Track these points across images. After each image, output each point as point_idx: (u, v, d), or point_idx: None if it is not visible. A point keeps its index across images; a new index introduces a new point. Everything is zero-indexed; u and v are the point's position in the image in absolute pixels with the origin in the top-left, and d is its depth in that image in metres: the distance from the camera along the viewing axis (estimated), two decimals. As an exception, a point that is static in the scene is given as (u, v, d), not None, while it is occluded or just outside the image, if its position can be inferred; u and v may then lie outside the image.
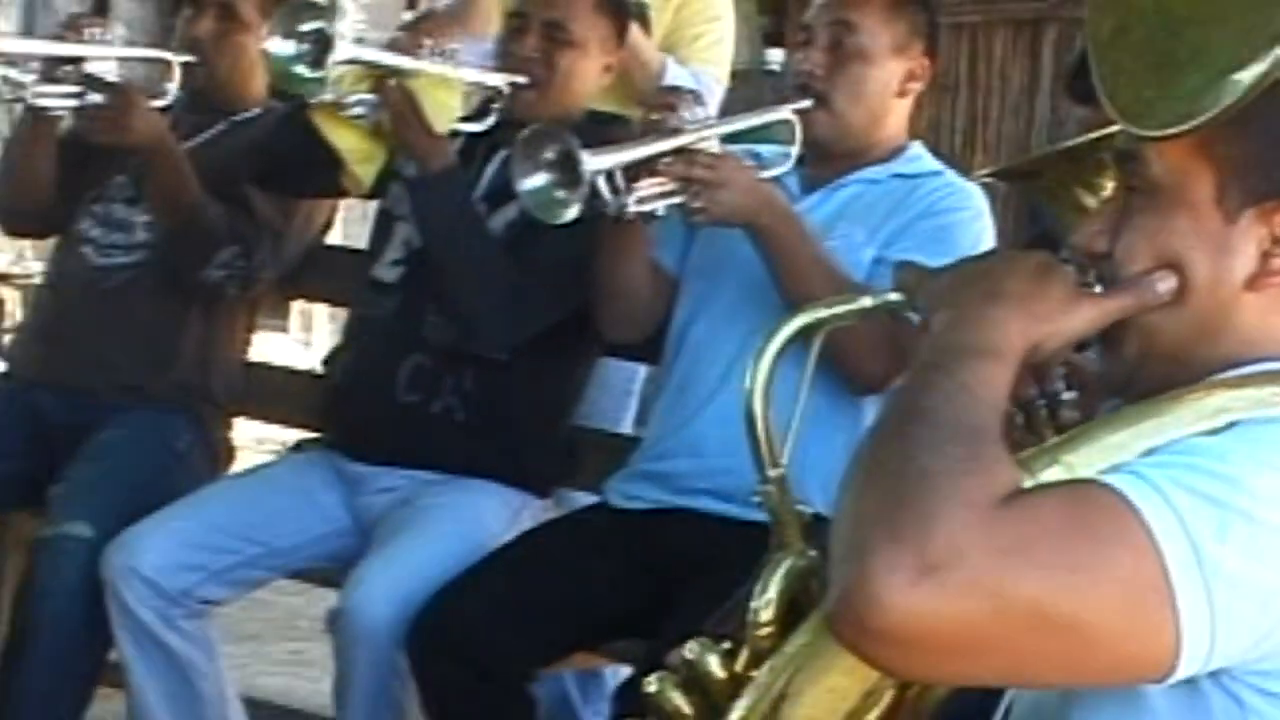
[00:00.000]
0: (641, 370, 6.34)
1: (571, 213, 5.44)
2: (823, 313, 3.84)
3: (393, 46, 6.27)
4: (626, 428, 6.36)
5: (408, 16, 8.75)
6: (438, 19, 7.35)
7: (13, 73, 6.69)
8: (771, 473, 3.72)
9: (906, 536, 2.31)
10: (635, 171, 5.52)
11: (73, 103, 6.44)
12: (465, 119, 6.09)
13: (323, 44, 5.76)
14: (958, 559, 2.30)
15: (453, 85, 6.12)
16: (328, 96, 5.92)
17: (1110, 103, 3.28)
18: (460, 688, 5.50)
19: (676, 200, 5.50)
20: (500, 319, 5.86)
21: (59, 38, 6.48)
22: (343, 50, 5.78)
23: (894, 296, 3.64)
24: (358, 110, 5.94)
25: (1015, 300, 2.68)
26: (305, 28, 5.79)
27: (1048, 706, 2.99)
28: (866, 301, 3.83)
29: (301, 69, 5.82)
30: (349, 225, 7.80)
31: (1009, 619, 2.43)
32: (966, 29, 12.82)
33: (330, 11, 5.97)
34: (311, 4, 6.03)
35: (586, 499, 5.98)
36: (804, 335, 4.07)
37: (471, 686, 5.48)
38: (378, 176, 6.19)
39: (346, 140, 6.03)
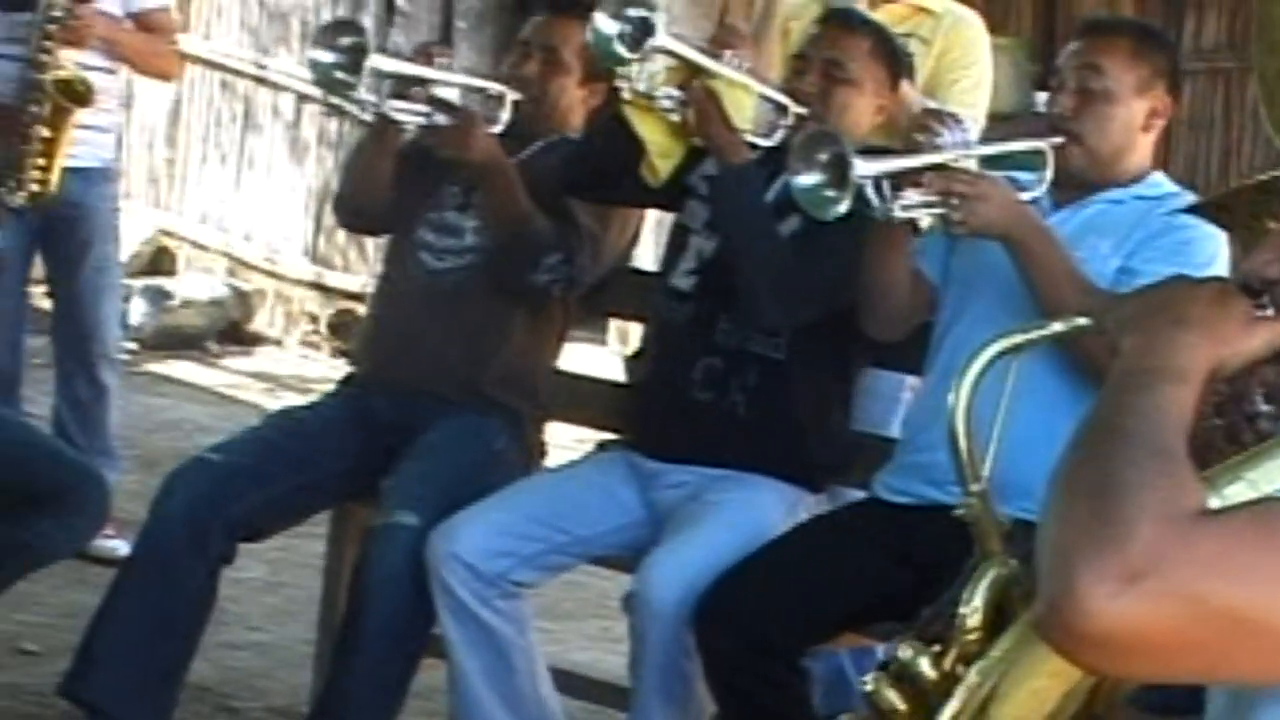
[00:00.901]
0: (908, 380, 6.49)
1: (839, 210, 5.74)
2: (1018, 338, 4.19)
3: (701, 48, 6.64)
4: (894, 432, 6.43)
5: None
6: (739, 34, 7.81)
7: (370, 86, 7.05)
8: (974, 487, 4.19)
9: (1109, 549, 2.42)
10: (900, 181, 5.80)
11: (420, 119, 6.80)
12: (755, 134, 6.41)
13: (644, 28, 6.11)
14: (1158, 569, 2.37)
15: (749, 93, 6.47)
16: (640, 86, 6.24)
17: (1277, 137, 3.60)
18: (740, 663, 5.77)
19: (938, 211, 5.83)
20: (781, 297, 6.12)
21: (413, 60, 7.05)
22: (660, 37, 6.18)
23: (1083, 321, 3.83)
24: (665, 104, 6.25)
25: (1198, 325, 2.78)
26: (630, 12, 6.13)
27: (1244, 696, 3.01)
28: (1057, 327, 4.03)
29: (620, 49, 6.14)
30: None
31: (1208, 624, 2.46)
32: (1221, 74, 12.31)
33: (654, 3, 6.44)
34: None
35: (856, 494, 6.22)
36: (1003, 357, 4.66)
37: (750, 661, 5.74)
38: (674, 189, 6.52)
39: (652, 132, 6.36)
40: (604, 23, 6.21)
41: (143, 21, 8.95)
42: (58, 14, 8.44)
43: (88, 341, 9.00)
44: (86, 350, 8.97)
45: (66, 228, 8.94)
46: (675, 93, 6.28)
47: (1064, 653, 2.68)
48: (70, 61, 8.57)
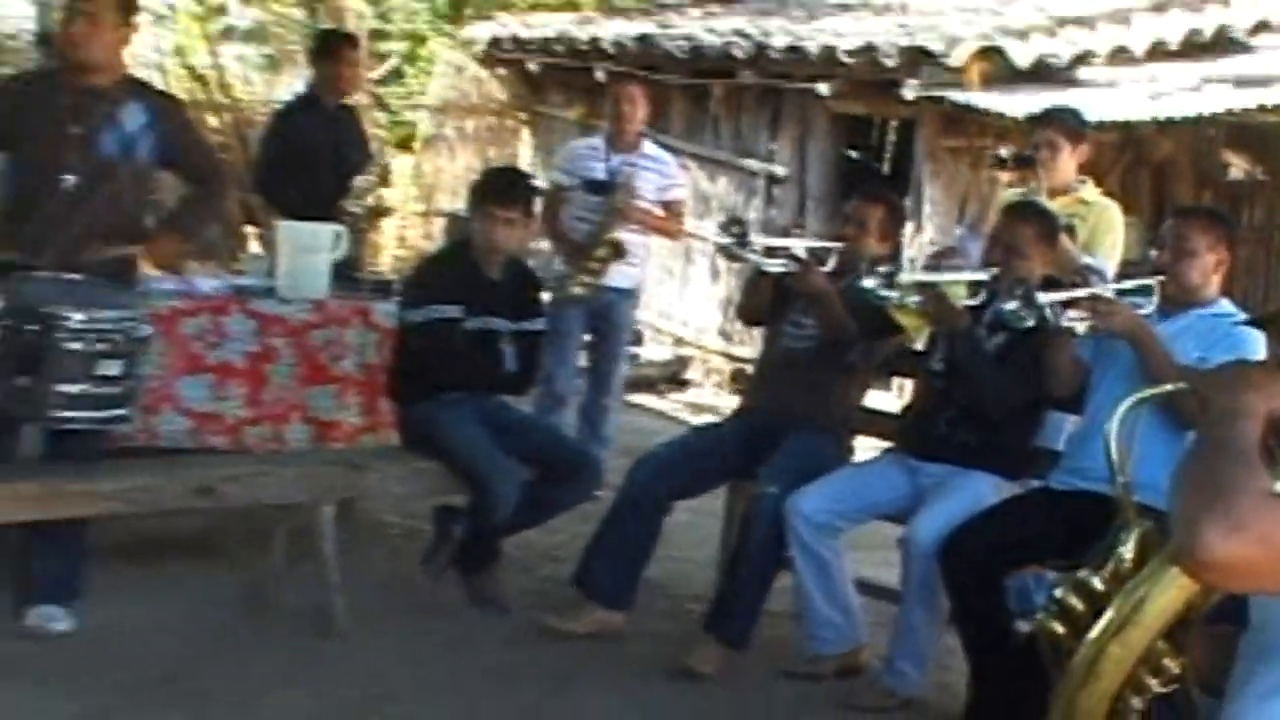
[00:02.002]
0: (1070, 418, 6.41)
1: (1030, 323, 5.95)
2: (1147, 394, 4.61)
3: (928, 268, 7.13)
4: (1060, 447, 6.43)
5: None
6: (951, 251, 7.97)
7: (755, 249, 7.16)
8: (1120, 480, 4.44)
9: (1219, 511, 2.64)
10: (1065, 305, 6.01)
11: (782, 265, 6.87)
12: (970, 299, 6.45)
13: (891, 277, 6.31)
14: (1251, 523, 2.62)
15: (961, 285, 6.55)
16: (898, 301, 6.38)
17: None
18: (965, 581, 5.82)
19: (1089, 321, 5.97)
20: (1002, 394, 6.21)
21: (781, 234, 7.10)
22: (905, 278, 6.42)
23: (1183, 385, 4.54)
24: (913, 302, 6.39)
25: (1257, 387, 2.96)
26: (881, 269, 6.28)
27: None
28: (1169, 388, 4.73)
29: (882, 290, 6.27)
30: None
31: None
32: (1263, 240, 11.87)
33: (900, 261, 6.76)
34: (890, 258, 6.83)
35: (1036, 484, 6.20)
36: (1139, 407, 4.84)
37: (971, 580, 5.80)
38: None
39: (908, 320, 6.57)
40: (867, 280, 6.34)
41: (668, 207, 9.04)
42: (619, 205, 8.62)
43: (605, 382, 9.16)
44: (604, 389, 9.14)
45: (607, 317, 9.04)
46: (918, 299, 6.41)
47: (1190, 575, 2.95)
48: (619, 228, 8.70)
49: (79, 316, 5.75)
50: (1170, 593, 4.28)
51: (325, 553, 6.58)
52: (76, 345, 5.74)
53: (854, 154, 12.42)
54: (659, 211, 8.99)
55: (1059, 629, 4.69)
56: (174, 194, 6.96)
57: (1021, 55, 10.81)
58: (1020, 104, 9.98)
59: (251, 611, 6.68)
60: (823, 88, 11.79)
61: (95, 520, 6.40)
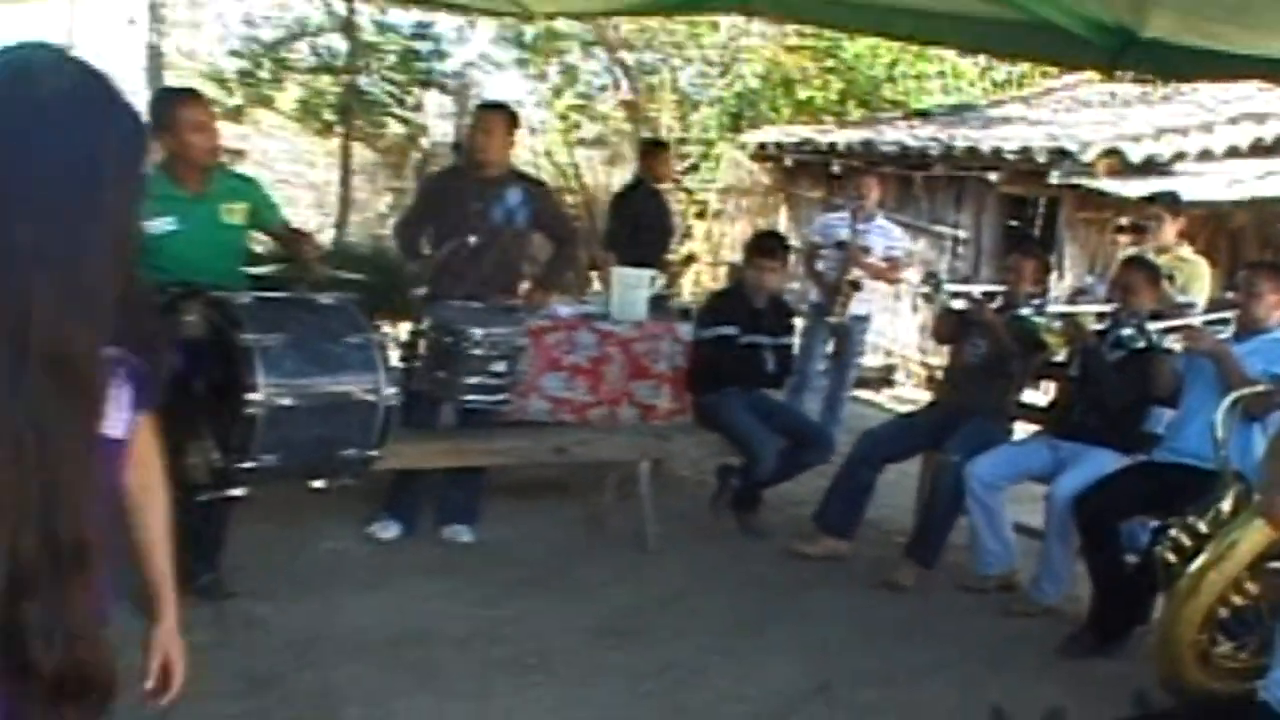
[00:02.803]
0: (1168, 411, 6.13)
1: (1141, 345, 5.91)
2: (1241, 394, 4.88)
3: (1068, 303, 7.06)
4: (1161, 430, 6.12)
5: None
6: (1083, 289, 7.86)
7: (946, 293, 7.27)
8: (1222, 453, 4.42)
9: None
10: (1166, 331, 5.97)
11: (962, 304, 6.87)
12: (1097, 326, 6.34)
13: (1041, 308, 6.41)
14: None
15: (1091, 316, 6.45)
16: (1043, 324, 6.27)
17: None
18: (1091, 525, 5.68)
19: (1184, 344, 5.80)
20: (1120, 394, 6.06)
21: (965, 280, 6.97)
22: (1053, 308, 6.44)
23: (1262, 388, 4.96)
24: (1057, 327, 6.24)
25: None
26: (1035, 303, 6.42)
27: None
28: (1260, 389, 5.05)
29: (1038, 319, 6.29)
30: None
31: None
32: None
33: (1046, 302, 6.66)
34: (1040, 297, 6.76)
35: (1143, 457, 5.95)
36: (1234, 404, 4.75)
37: (1096, 525, 5.66)
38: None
39: (1053, 340, 6.31)
40: (1023, 310, 6.42)
41: (890, 261, 8.87)
42: (854, 258, 8.59)
43: (841, 380, 9.03)
44: (840, 385, 9.00)
45: (845, 335, 8.84)
46: (1058, 324, 6.29)
47: (1272, 525, 3.06)
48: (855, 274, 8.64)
49: (479, 332, 5.87)
50: (1255, 536, 4.36)
51: (642, 495, 6.65)
52: (477, 351, 5.86)
53: (1014, 223, 12.19)
54: (883, 264, 8.84)
55: (1172, 558, 4.71)
56: (541, 249, 7.09)
57: (1135, 154, 10.69)
58: (1134, 189, 9.92)
59: (591, 533, 6.78)
60: (992, 176, 11.71)
61: (488, 468, 6.57)
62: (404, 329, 6.21)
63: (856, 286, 8.67)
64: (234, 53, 16.48)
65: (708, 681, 5.00)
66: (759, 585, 6.24)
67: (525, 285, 6.67)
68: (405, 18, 15.49)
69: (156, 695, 2.08)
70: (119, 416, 1.73)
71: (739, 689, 4.96)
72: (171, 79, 15.63)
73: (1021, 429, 7.02)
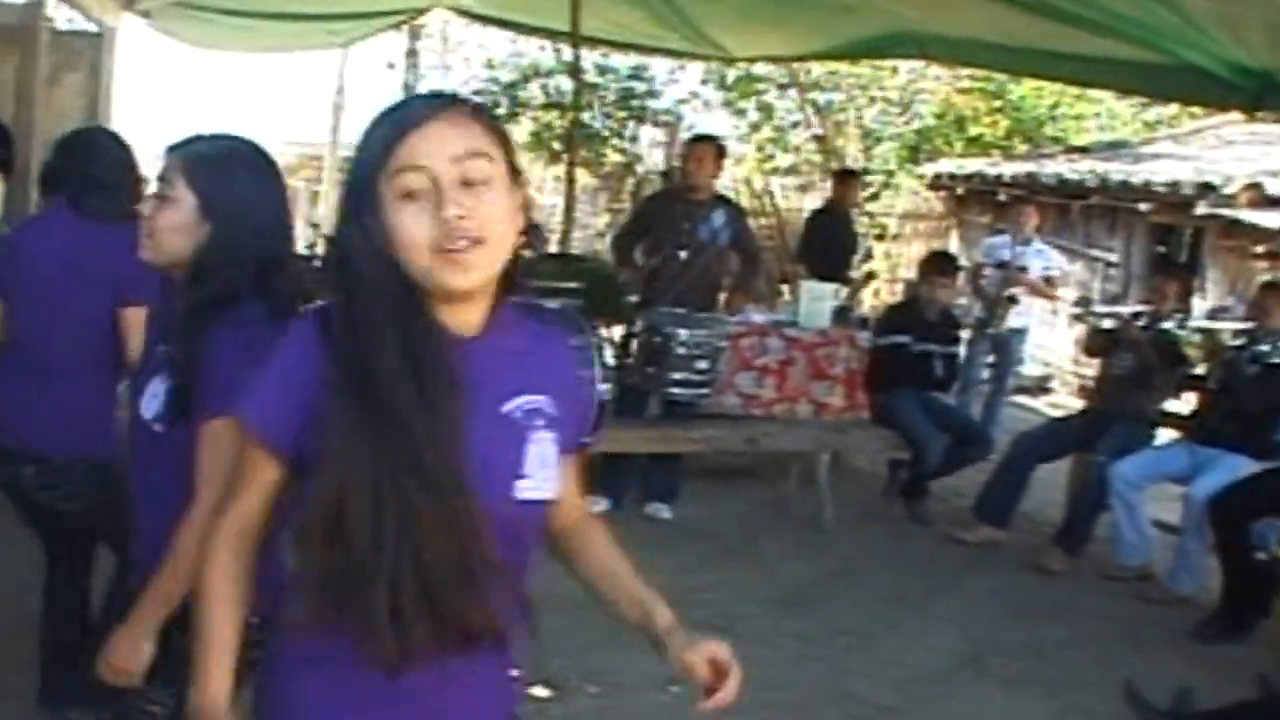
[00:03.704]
0: None
1: (1275, 360, 5.79)
2: None
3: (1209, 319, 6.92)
4: None
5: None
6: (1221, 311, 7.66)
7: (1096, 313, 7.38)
8: None
9: None
10: None
11: (1112, 322, 6.79)
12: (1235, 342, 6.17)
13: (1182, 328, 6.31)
14: None
15: (1229, 332, 6.30)
16: (1184, 339, 6.22)
17: None
18: (1223, 522, 5.54)
19: None
20: (1255, 404, 5.89)
21: (1115, 300, 6.80)
22: (1197, 322, 6.39)
23: None
24: (1198, 342, 6.20)
25: None
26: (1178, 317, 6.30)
27: None
28: None
29: (1177, 332, 6.23)
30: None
31: None
32: None
33: (1188, 320, 6.52)
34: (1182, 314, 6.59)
35: (1273, 464, 5.74)
36: None
37: (1228, 523, 5.51)
38: None
39: (1194, 353, 6.27)
40: (1167, 326, 6.33)
41: (1047, 281, 8.75)
42: (1014, 277, 8.50)
43: (1001, 386, 8.89)
44: (999, 390, 8.86)
45: (1005, 346, 8.71)
46: (1199, 338, 6.31)
47: None
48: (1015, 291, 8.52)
49: (685, 334, 6.01)
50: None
51: (820, 482, 6.69)
52: (682, 351, 6.00)
53: (1162, 249, 11.88)
54: (1041, 284, 8.71)
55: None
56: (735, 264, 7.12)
57: (1274, 187, 10.31)
58: (1273, 219, 9.70)
59: (774, 514, 6.84)
60: (1143, 206, 11.42)
61: (686, 454, 6.63)
62: (617, 332, 6.30)
63: (1013, 301, 8.55)
64: (477, 92, 16.85)
65: (872, 648, 5.03)
66: (922, 566, 6.22)
67: (724, 295, 6.79)
68: (624, 60, 15.71)
69: (716, 693, 1.76)
70: (544, 474, 1.64)
71: (899, 656, 4.98)
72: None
73: (1164, 434, 6.85)
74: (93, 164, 3.24)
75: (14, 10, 9.98)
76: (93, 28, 11.30)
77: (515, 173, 1.59)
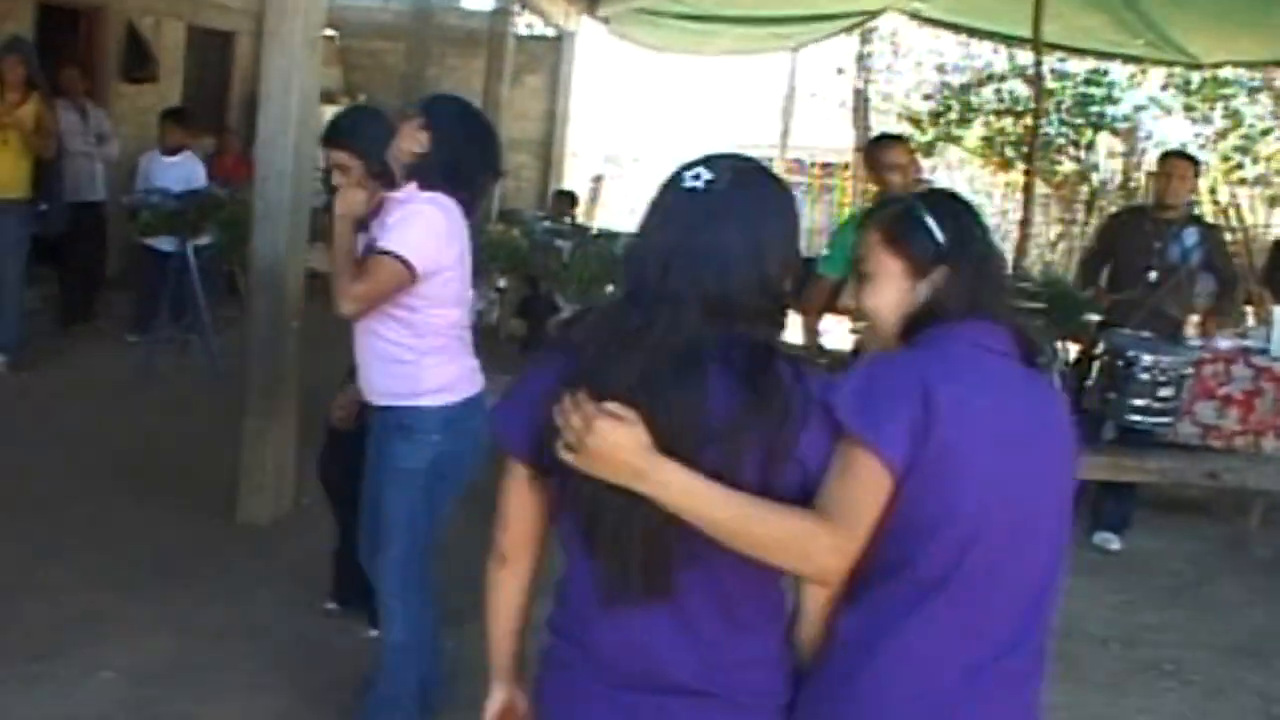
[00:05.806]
0: None
1: None
2: None
3: None
4: None
5: None
6: None
7: None
8: None
9: None
10: None
11: None
12: None
13: None
14: None
15: None
16: None
17: None
18: None
19: None
20: None
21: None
22: None
23: None
24: None
25: None
26: None
27: None
28: None
29: None
30: None
31: None
32: None
33: None
34: None
35: None
36: None
37: None
38: None
39: None
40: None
41: None
42: None
43: None
44: None
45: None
46: None
47: None
48: None
49: (1148, 359, 5.81)
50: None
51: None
52: (1145, 376, 5.81)
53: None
54: None
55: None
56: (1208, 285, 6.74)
57: None
58: None
59: (1232, 553, 6.36)
60: None
61: (1141, 484, 6.33)
62: (1072, 349, 6.17)
63: None
64: (927, 96, 16.92)
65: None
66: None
67: (1192, 319, 6.55)
68: (1080, 65, 15.18)
69: None
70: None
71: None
72: (873, 118, 16.43)
73: None
74: None
75: (483, 16, 10.84)
76: (551, 32, 12.18)
77: None
